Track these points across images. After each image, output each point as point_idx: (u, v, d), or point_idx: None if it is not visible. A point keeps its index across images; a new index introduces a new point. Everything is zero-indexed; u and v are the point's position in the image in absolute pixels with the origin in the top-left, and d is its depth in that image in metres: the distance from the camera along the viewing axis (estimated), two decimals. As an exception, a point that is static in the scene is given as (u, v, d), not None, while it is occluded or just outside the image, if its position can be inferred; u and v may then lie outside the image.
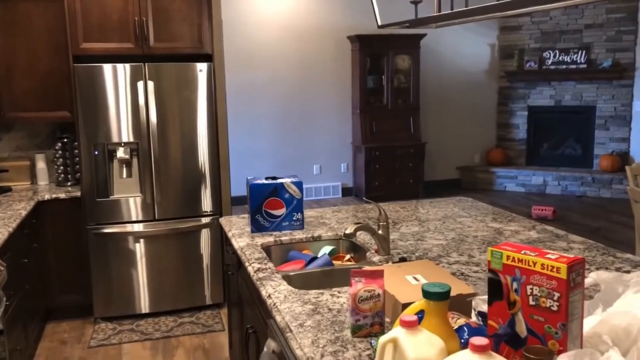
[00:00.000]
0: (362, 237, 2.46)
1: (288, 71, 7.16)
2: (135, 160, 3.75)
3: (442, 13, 1.92)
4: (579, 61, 7.46)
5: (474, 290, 1.64)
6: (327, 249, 2.46)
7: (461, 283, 1.70)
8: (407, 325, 1.08)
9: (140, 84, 3.66)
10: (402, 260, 2.13)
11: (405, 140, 7.34)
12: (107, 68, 3.61)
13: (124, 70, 3.63)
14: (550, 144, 8.03)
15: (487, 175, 7.97)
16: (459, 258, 2.19)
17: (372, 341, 1.44)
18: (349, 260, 2.43)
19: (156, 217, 3.83)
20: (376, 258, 2.21)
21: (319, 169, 7.40)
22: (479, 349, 0.96)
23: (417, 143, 7.37)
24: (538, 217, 6.06)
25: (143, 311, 3.88)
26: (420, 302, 1.24)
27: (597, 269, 2.01)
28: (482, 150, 8.18)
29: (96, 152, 3.66)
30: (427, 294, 1.19)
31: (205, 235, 3.97)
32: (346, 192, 7.51)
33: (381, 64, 7.28)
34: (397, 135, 7.32)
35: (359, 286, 1.52)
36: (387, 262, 2.14)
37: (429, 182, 7.59)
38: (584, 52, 7.43)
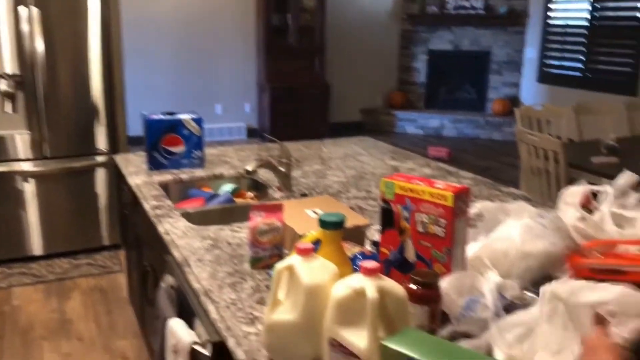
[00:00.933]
0: (265, 175, 2.45)
1: (190, 6, 6.83)
2: (21, 95, 3.47)
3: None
4: (477, 7, 7.69)
5: (370, 222, 1.70)
6: (228, 187, 2.44)
7: (358, 215, 1.76)
8: (302, 252, 1.11)
9: (22, 10, 3.35)
10: (304, 196, 2.16)
11: (311, 81, 7.32)
12: (-18, -9, 3.27)
13: (2, -6, 3.31)
14: (448, 88, 8.33)
15: (389, 117, 8.17)
16: (357, 193, 2.25)
17: (270, 272, 1.47)
18: (251, 198, 2.42)
19: (46, 155, 3.61)
20: (278, 195, 2.22)
21: (222, 108, 7.24)
22: (368, 272, 1.00)
23: (322, 84, 7.37)
24: (434, 158, 6.32)
25: (35, 253, 3.70)
26: (317, 232, 1.26)
27: (483, 201, 2.14)
28: (384, 92, 8.34)
29: (-26, 85, 3.36)
30: (323, 224, 1.22)
31: (101, 175, 3.81)
32: (251, 133, 7.44)
33: (287, 1, 7.12)
34: (302, 75, 7.28)
35: (258, 220, 1.53)
36: (289, 199, 2.16)
37: (334, 124, 7.66)
38: (481, -2, 7.66)
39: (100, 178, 3.81)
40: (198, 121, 2.53)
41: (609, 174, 1.64)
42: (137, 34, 6.51)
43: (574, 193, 1.62)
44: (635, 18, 6.31)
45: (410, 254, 1.26)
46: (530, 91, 7.70)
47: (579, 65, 7.01)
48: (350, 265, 1.25)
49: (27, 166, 3.58)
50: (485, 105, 8.04)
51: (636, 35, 6.24)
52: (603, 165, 3.17)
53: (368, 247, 1.53)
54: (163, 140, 2.48)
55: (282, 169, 2.22)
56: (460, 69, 8.18)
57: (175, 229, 1.82)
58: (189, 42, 6.93)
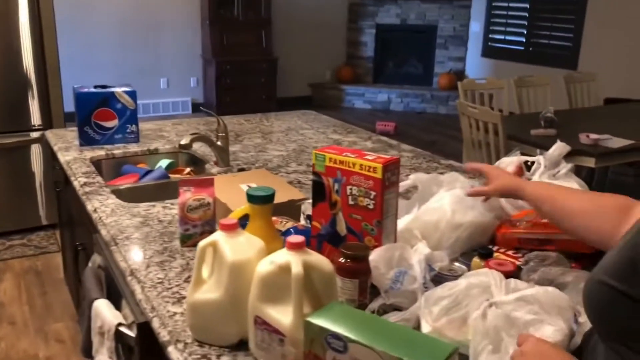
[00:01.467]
0: (202, 150, 2.38)
1: (128, -25, 6.56)
2: (-59, 67, 3.26)
3: None
4: (423, -20, 7.69)
5: (306, 196, 1.67)
6: (164, 163, 2.36)
7: (294, 190, 1.72)
8: (226, 228, 1.06)
9: (-60, -24, 3.13)
10: (242, 171, 2.11)
11: (258, 54, 7.19)
12: None
13: None
14: (395, 62, 8.34)
15: (337, 92, 8.13)
16: (297, 168, 2.21)
17: (201, 249, 1.42)
18: (188, 173, 2.35)
19: (-26, 132, 3.42)
20: (215, 170, 2.16)
21: (166, 82, 7.04)
22: (294, 247, 0.97)
23: (270, 58, 7.26)
24: (381, 132, 6.35)
25: (-36, 236, 3.53)
26: (244, 207, 1.22)
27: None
28: (332, 67, 8.28)
29: None
30: (251, 198, 1.18)
31: (35, 152, 3.64)
32: (196, 108, 7.26)
33: (231, -28, 6.94)
34: (248, 49, 7.14)
35: (188, 195, 1.48)
36: (226, 173, 2.11)
37: (282, 98, 7.57)
38: (428, -29, 7.65)
39: (36, 155, 3.65)
40: (131, 94, 2.43)
41: (546, 146, 1.66)
42: (76, 5, 6.21)
43: (507, 163, 1.63)
44: (575, -7, 6.44)
45: (342, 227, 1.24)
46: (475, 65, 7.79)
47: (522, 39, 7.13)
48: (281, 240, 1.21)
49: (-48, 143, 3.39)
50: (432, 79, 8.10)
51: (576, 9, 6.38)
52: (541, 137, 3.23)
53: (302, 221, 1.50)
54: (95, 115, 2.37)
55: (219, 143, 2.16)
56: (407, 43, 8.20)
57: (105, 207, 1.74)
58: (132, 15, 6.67)
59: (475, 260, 1.24)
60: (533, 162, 1.63)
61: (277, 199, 1.22)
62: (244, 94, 7.11)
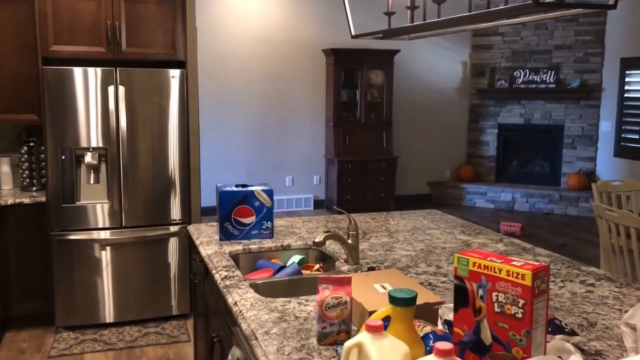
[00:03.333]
0: (332, 247, 2.44)
1: (262, 82, 7.16)
2: (103, 166, 3.69)
3: (414, 24, 1.94)
4: (548, 81, 7.62)
5: (441, 299, 1.64)
6: (296, 258, 2.44)
7: (428, 292, 1.70)
8: (372, 330, 1.07)
9: (111, 89, 3.61)
10: (371, 269, 2.12)
11: (378, 154, 7.39)
12: (77, 71, 3.55)
13: (94, 74, 3.58)
14: (519, 161, 8.17)
15: (457, 191, 8.06)
16: (427, 268, 2.19)
17: (338, 349, 1.43)
18: (318, 269, 2.41)
19: (123, 224, 3.76)
20: (345, 267, 2.20)
21: (291, 180, 7.39)
22: (443, 354, 0.96)
23: (389, 157, 7.42)
24: (506, 233, 6.13)
25: (107, 321, 3.79)
26: (386, 308, 1.23)
27: (563, 281, 2.03)
28: (452, 166, 8.27)
29: (63, 157, 3.59)
30: (393, 300, 1.19)
31: (173, 244, 3.91)
32: (318, 204, 7.51)
33: (355, 78, 7.34)
34: (369, 149, 7.36)
35: (326, 293, 1.51)
36: (356, 272, 2.14)
37: (400, 196, 7.64)
38: (553, 72, 7.60)
39: (172, 247, 3.91)
40: (269, 192, 2.58)
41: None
42: (213, 109, 6.84)
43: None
44: None
45: (487, 336, 1.20)
46: (607, 165, 7.42)
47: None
48: (422, 345, 1.20)
49: (104, 235, 3.74)
50: (560, 179, 7.80)
51: None
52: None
53: (440, 326, 1.47)
54: (235, 212, 2.53)
55: (350, 241, 2.21)
56: (532, 142, 8.04)
57: (244, 301, 1.82)
58: (262, 117, 7.20)
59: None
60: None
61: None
62: (364, 192, 7.26)
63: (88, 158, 3.61)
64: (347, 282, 1.54)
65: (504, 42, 7.87)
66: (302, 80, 7.32)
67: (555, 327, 1.40)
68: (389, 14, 2.24)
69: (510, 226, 6.35)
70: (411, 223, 2.97)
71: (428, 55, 7.83)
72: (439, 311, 1.51)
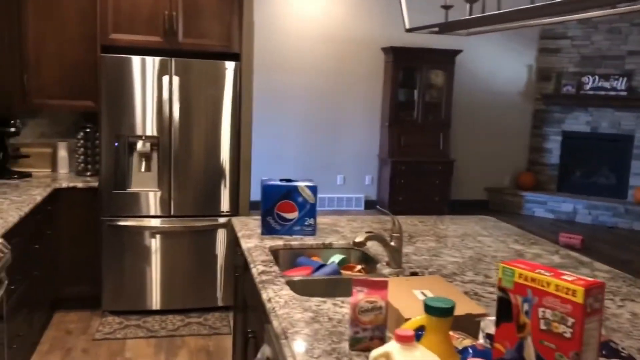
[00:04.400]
0: (375, 249, 2.36)
1: (318, 78, 7.11)
2: (155, 155, 3.72)
3: (472, 16, 1.83)
4: (619, 88, 7.23)
5: (485, 311, 1.53)
6: (337, 258, 2.36)
7: (472, 302, 1.59)
8: (402, 340, 0.99)
9: (165, 79, 3.64)
10: (414, 274, 2.03)
11: (434, 156, 7.21)
12: (135, 60, 3.60)
13: (152, 63, 3.62)
14: (583, 171, 7.80)
15: (516, 198, 7.77)
16: (474, 277, 2.07)
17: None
18: (359, 271, 2.32)
19: (172, 213, 3.79)
20: (387, 270, 2.11)
21: (342, 179, 7.31)
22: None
23: (446, 160, 7.23)
24: (565, 245, 5.84)
25: (152, 308, 3.83)
26: (421, 317, 1.14)
27: (622, 300, 1.87)
28: (512, 172, 7.99)
29: (117, 144, 3.65)
30: (428, 309, 1.10)
31: (221, 236, 3.91)
32: (369, 205, 7.40)
33: (414, 77, 7.18)
34: (425, 150, 7.19)
35: (360, 296, 1.43)
36: (398, 276, 2.04)
37: (455, 201, 7.43)
38: (625, 79, 7.20)
39: (220, 239, 3.91)
40: (313, 189, 2.52)
41: None
42: (268, 103, 6.85)
43: None
44: None
45: (530, 355, 1.09)
46: (680, 179, 6.97)
47: None
48: (457, 359, 1.10)
49: (154, 222, 3.78)
50: (627, 192, 7.39)
51: None
52: None
53: (481, 340, 1.37)
54: (278, 206, 2.48)
55: (393, 244, 2.11)
56: (598, 152, 7.65)
57: (279, 297, 1.76)
58: (316, 114, 7.16)
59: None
60: None
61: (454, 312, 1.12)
62: (417, 195, 7.10)
63: (140, 146, 3.65)
64: (383, 285, 1.45)
65: (573, 46, 7.52)
66: (359, 78, 7.23)
67: (610, 351, 1.27)
68: (447, 7, 2.14)
69: (570, 238, 6.06)
70: (462, 229, 2.84)
71: (491, 57, 7.58)
72: (481, 324, 1.40)
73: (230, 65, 3.73)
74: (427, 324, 1.11)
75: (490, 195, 7.93)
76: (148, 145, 3.66)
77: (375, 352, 0.99)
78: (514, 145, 7.94)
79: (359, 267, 2.37)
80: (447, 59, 7.13)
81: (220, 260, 3.93)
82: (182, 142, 3.72)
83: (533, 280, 1.08)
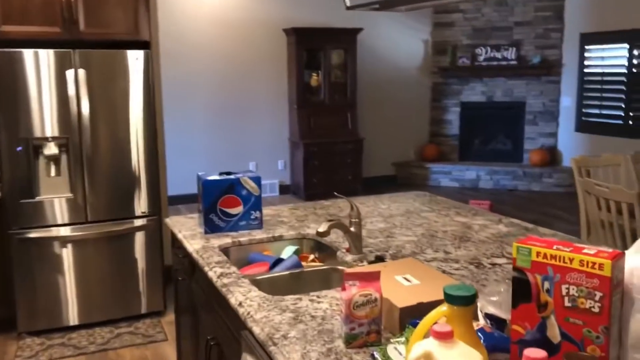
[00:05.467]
0: (329, 236, 2.28)
1: (222, 64, 6.88)
2: (64, 157, 3.40)
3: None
4: (509, 57, 7.63)
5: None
6: (290, 249, 2.27)
7: (457, 282, 1.57)
8: (441, 337, 0.93)
9: (70, 73, 3.31)
10: (379, 259, 1.98)
11: (343, 136, 7.24)
12: (27, 54, 3.24)
13: (47, 56, 3.27)
14: (482, 139, 8.18)
15: (422, 170, 8.02)
16: (435, 255, 2.06)
17: (375, 352, 1.28)
18: (313, 260, 2.25)
19: (88, 219, 3.50)
20: (349, 257, 2.05)
21: (255, 166, 7.16)
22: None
23: (355, 139, 7.29)
24: (476, 211, 6.11)
25: (73, 323, 3.53)
26: (443, 309, 1.08)
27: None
28: (416, 145, 8.22)
29: (19, 149, 3.29)
30: (451, 298, 1.04)
31: (140, 239, 3.66)
32: (283, 189, 7.32)
33: (318, 58, 7.14)
34: (334, 131, 7.21)
35: (354, 290, 1.35)
36: (362, 262, 1.99)
37: (367, 178, 7.53)
38: (514, 49, 7.60)
39: (140, 242, 3.67)
40: (256, 180, 2.39)
41: None
42: (171, 93, 6.53)
43: None
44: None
45: (554, 333, 1.07)
46: (569, 141, 7.51)
47: (620, 112, 6.84)
48: (484, 349, 1.06)
49: (68, 231, 3.46)
50: (523, 156, 7.86)
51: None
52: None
53: (482, 321, 1.34)
54: (221, 202, 2.34)
55: (353, 229, 2.05)
56: (494, 120, 8.06)
57: (250, 300, 1.64)
58: (223, 101, 6.93)
59: None
60: None
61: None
62: (331, 175, 7.12)
63: (47, 149, 3.31)
64: (375, 277, 1.39)
65: (465, 20, 7.81)
66: (264, 61, 7.07)
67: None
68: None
69: (480, 204, 6.35)
70: (403, 206, 2.84)
71: (390, 34, 7.70)
72: (478, 304, 1.38)
73: (139, 55, 3.47)
74: (448, 315, 1.05)
75: (397, 169, 8.12)
76: (56, 147, 3.33)
77: (414, 354, 0.92)
78: (416, 119, 8.16)
79: (312, 256, 2.29)
80: (348, 38, 7.14)
81: (141, 265, 3.69)
82: (93, 140, 3.42)
83: (553, 257, 1.06)
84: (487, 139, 8.15)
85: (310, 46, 7.06)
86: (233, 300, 1.67)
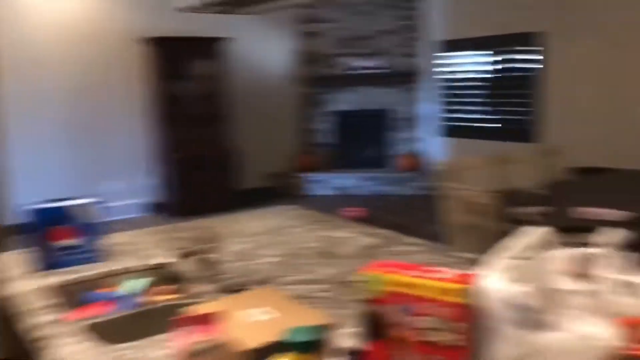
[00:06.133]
0: (183, 264, 2.05)
1: (76, 78, 6.33)
2: None
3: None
4: (376, 66, 7.79)
5: (332, 320, 1.36)
6: (140, 283, 2.01)
7: (316, 313, 1.42)
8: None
9: None
10: (239, 289, 1.78)
11: (215, 148, 6.97)
12: None
13: None
14: (353, 147, 8.27)
15: (297, 180, 7.94)
16: (299, 277, 1.91)
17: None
18: (168, 292, 2.01)
19: None
20: (206, 288, 1.83)
21: (121, 186, 6.66)
22: None
23: (228, 151, 7.04)
24: (352, 218, 6.11)
25: None
26: (289, 358, 0.91)
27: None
28: (290, 156, 8.14)
29: None
30: (296, 346, 0.87)
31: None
32: (151, 209, 6.88)
33: (182, 68, 6.81)
34: (206, 144, 6.91)
35: (192, 338, 1.15)
36: (224, 292, 1.78)
37: (242, 190, 7.30)
38: (378, 57, 7.77)
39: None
40: (96, 205, 2.11)
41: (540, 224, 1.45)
42: (19, 110, 5.90)
43: (561, 258, 1.38)
44: (527, 69, 6.60)
45: (414, 372, 0.94)
46: (434, 145, 7.79)
47: (484, 116, 7.20)
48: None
49: None
50: (392, 161, 8.05)
51: (530, 85, 6.52)
52: (537, 215, 3.05)
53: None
54: (53, 233, 2.02)
55: (209, 256, 1.84)
56: (364, 128, 8.19)
57: (79, 357, 1.38)
58: (79, 117, 6.39)
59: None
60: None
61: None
62: (203, 190, 6.80)
63: None
64: (215, 317, 1.19)
65: (333, 29, 7.87)
66: (122, 74, 6.61)
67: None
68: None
69: (354, 211, 6.37)
70: (270, 222, 2.67)
71: (259, 44, 7.57)
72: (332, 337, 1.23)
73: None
74: (294, 364, 0.88)
75: (273, 180, 7.98)
76: None
77: None
78: (289, 130, 8.08)
79: (168, 288, 2.05)
80: (216, 47, 6.89)
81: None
82: None
83: (406, 285, 0.93)
84: (358, 147, 8.26)
85: (174, 56, 6.72)
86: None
